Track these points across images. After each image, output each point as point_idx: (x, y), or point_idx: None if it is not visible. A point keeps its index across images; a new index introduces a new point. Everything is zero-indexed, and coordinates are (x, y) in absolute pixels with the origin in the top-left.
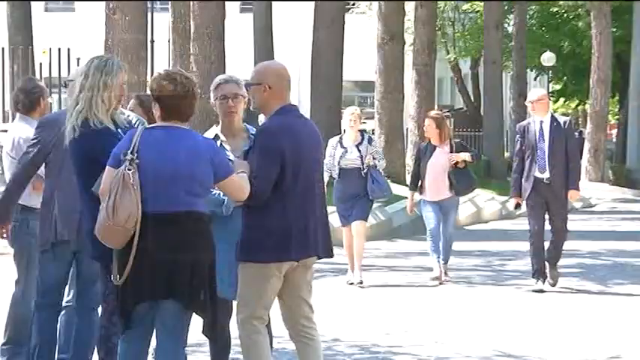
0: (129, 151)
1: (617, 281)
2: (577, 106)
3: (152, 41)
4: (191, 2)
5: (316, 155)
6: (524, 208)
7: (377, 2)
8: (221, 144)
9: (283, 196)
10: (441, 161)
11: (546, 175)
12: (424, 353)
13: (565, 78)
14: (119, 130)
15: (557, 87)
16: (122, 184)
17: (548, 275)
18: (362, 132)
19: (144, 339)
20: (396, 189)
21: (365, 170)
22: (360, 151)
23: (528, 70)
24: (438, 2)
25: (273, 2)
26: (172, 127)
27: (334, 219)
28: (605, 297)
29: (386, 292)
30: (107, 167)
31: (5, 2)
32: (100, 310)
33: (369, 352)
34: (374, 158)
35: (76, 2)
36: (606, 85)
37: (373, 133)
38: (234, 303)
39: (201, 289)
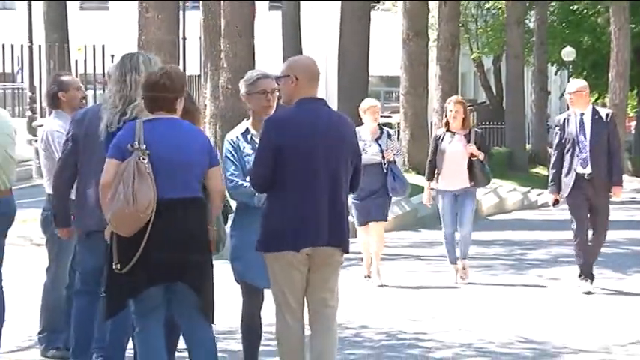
0: (136, 143)
1: (636, 269)
2: (596, 99)
3: (184, 39)
4: (221, 1)
5: (333, 144)
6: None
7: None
8: (252, 137)
9: (284, 185)
10: (460, 149)
11: (588, 170)
12: (448, 339)
13: (585, 72)
14: None
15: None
16: (138, 173)
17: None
18: (380, 127)
19: (159, 325)
20: (422, 181)
21: (386, 166)
22: (380, 145)
23: (549, 64)
24: (461, 0)
25: (301, 1)
26: (171, 118)
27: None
28: (624, 283)
29: (411, 280)
30: (110, 159)
31: (42, 2)
32: None
33: (395, 339)
34: (394, 154)
35: (110, 1)
36: (625, 79)
37: (399, 127)
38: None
39: (210, 272)
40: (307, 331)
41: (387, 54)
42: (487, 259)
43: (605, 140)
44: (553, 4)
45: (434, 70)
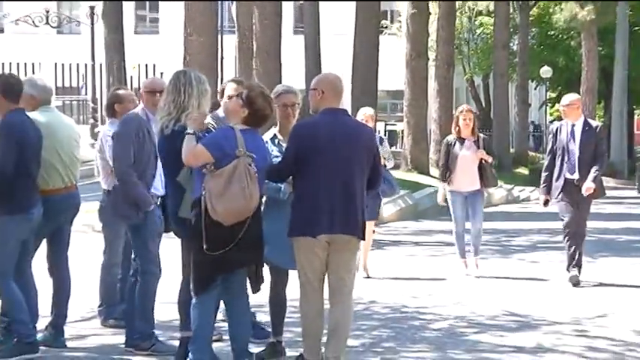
0: (242, 149)
1: (602, 254)
2: None
3: (222, 58)
4: (254, 25)
5: (351, 147)
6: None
7: (405, 25)
8: (279, 142)
9: (307, 181)
10: (471, 154)
11: (576, 176)
12: (445, 312)
13: (560, 88)
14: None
15: (553, 95)
16: (250, 175)
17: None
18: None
19: (215, 300)
20: (422, 179)
21: None
22: None
23: (529, 81)
24: (456, 25)
25: (321, 26)
26: (255, 130)
27: None
28: (593, 267)
29: (412, 263)
30: (204, 149)
31: (103, 25)
32: None
33: (399, 312)
34: (384, 158)
35: (161, 26)
36: (593, 93)
37: (402, 133)
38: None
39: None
40: (327, 305)
41: (393, 71)
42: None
43: (593, 149)
44: (533, 29)
45: (432, 85)
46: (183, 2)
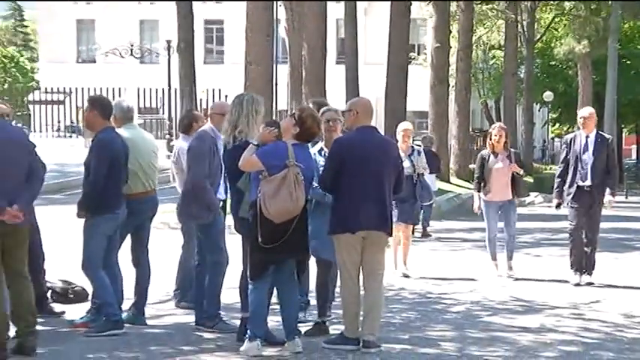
0: (292, 161)
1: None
2: (567, 129)
3: (276, 84)
4: (303, 57)
5: (380, 160)
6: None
7: (430, 56)
8: (324, 153)
9: (345, 187)
10: (503, 167)
11: (587, 183)
12: (462, 298)
13: (559, 109)
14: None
15: (554, 115)
16: (297, 182)
17: (585, 266)
18: (412, 146)
19: (268, 286)
20: (444, 186)
21: (416, 177)
22: (412, 161)
23: (534, 104)
24: (472, 57)
25: (359, 57)
26: (304, 144)
27: None
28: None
29: (435, 256)
30: (257, 159)
31: (177, 57)
32: None
33: (425, 297)
34: (422, 168)
35: (225, 57)
36: None
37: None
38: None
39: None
40: (362, 291)
41: (419, 95)
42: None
43: (604, 159)
44: (537, 60)
45: (452, 107)
46: (244, 36)
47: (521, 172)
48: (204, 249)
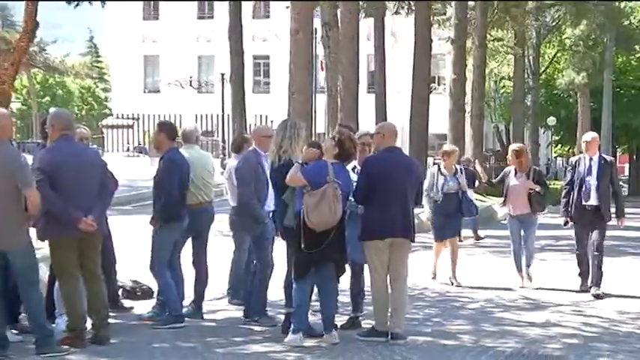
0: (331, 177)
1: None
2: (569, 149)
3: (315, 111)
4: (339, 87)
5: (403, 177)
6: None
7: (448, 86)
8: (357, 170)
9: (374, 200)
10: (520, 184)
11: (591, 202)
12: (477, 296)
13: (561, 132)
14: (298, 162)
15: (557, 138)
16: (335, 196)
17: (591, 276)
18: (456, 166)
19: (309, 285)
20: None
21: (461, 194)
22: (457, 179)
23: (539, 127)
24: (485, 87)
25: (387, 87)
26: (342, 163)
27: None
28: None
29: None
30: (301, 175)
31: (230, 87)
32: None
33: (444, 296)
34: (465, 185)
35: (271, 87)
36: None
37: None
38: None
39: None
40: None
41: (439, 120)
42: (500, 247)
43: (608, 180)
44: (542, 90)
45: (468, 130)
46: (288, 70)
47: (538, 188)
48: (254, 254)
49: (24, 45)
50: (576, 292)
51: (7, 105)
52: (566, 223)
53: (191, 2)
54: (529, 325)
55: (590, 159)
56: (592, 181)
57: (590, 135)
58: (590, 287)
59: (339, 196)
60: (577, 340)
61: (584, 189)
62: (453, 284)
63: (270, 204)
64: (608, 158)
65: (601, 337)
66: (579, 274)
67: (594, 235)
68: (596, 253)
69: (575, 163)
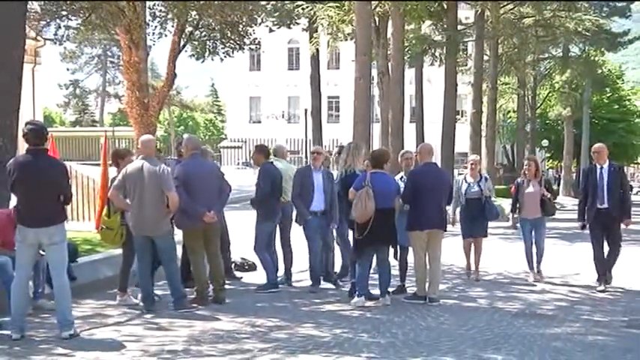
0: (366, 182)
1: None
2: (557, 164)
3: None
4: (389, 117)
5: (438, 184)
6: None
7: (469, 117)
8: (404, 179)
9: (416, 200)
10: (534, 191)
11: (604, 205)
12: (490, 271)
13: (552, 151)
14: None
15: (548, 155)
16: (368, 196)
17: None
18: (480, 174)
19: (369, 262)
20: None
21: (484, 199)
22: (480, 186)
23: (536, 147)
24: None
25: (424, 117)
26: (382, 171)
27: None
28: (582, 260)
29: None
30: (352, 188)
31: (310, 118)
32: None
33: (464, 273)
34: (489, 191)
35: (340, 118)
36: (570, 155)
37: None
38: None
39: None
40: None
41: (462, 142)
42: (511, 238)
43: (619, 184)
44: (538, 119)
45: (483, 150)
46: (352, 105)
47: (549, 195)
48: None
49: (166, 90)
50: (599, 291)
51: (153, 132)
52: (583, 227)
53: (283, 56)
54: (529, 292)
55: (601, 167)
56: (605, 186)
57: (598, 146)
58: (605, 285)
59: (371, 195)
60: (565, 303)
61: (597, 194)
62: (477, 280)
63: (320, 205)
64: (617, 165)
65: (583, 301)
66: (597, 280)
67: (610, 238)
68: (609, 253)
69: (588, 171)
